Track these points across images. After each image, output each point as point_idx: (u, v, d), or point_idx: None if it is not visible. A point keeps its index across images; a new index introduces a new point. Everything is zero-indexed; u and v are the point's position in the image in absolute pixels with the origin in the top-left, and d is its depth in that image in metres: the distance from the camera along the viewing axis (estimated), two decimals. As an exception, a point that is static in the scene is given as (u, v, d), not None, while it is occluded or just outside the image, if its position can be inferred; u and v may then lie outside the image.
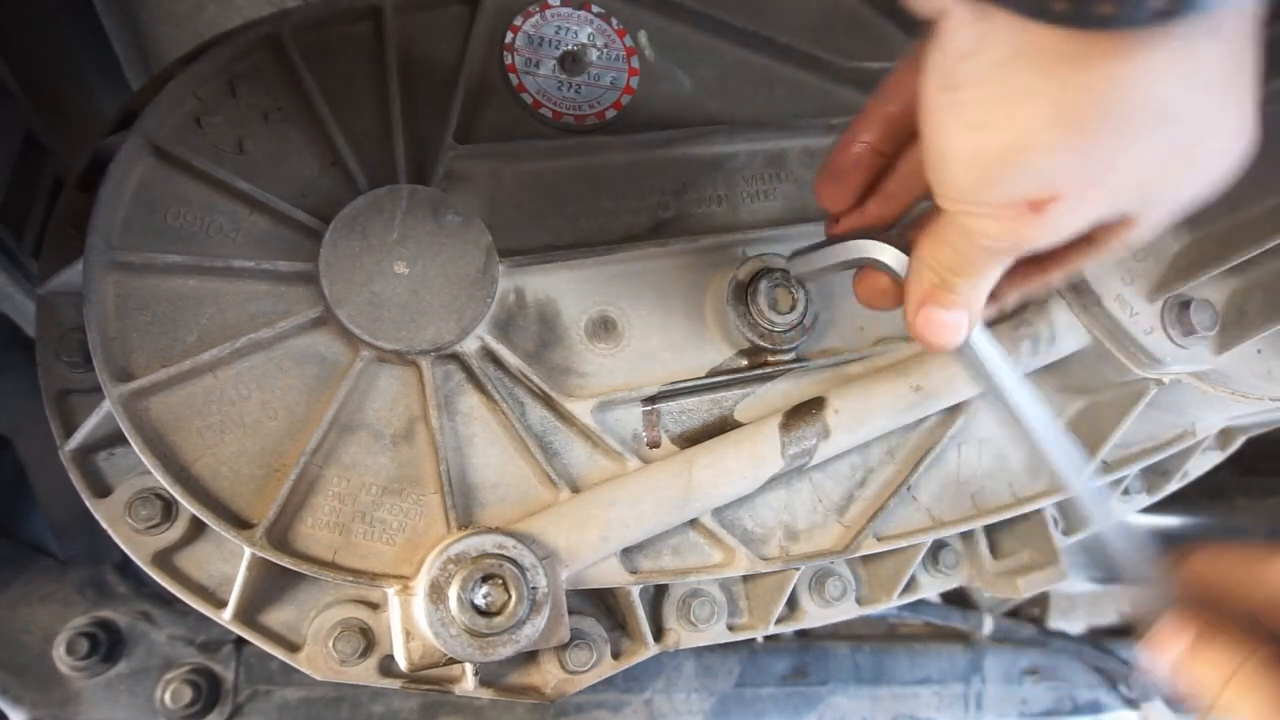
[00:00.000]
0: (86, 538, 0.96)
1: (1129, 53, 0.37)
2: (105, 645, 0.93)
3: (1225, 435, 1.01)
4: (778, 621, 0.82)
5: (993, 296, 0.56)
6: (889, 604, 0.86)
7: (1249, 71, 0.41)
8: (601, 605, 0.81)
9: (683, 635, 0.80)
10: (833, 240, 0.64)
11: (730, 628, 0.82)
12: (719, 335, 0.78)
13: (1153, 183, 0.43)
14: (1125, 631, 1.62)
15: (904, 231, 0.60)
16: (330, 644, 0.72)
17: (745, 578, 0.83)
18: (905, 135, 0.57)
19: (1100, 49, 0.37)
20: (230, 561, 0.73)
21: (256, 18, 0.74)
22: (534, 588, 0.66)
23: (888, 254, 0.59)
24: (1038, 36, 0.38)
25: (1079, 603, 1.72)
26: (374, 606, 0.74)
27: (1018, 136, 0.41)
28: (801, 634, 1.18)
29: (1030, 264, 0.54)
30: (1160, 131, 0.40)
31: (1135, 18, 0.34)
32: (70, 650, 0.91)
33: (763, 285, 0.75)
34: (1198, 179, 0.44)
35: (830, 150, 0.61)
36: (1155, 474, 0.99)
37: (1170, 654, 0.52)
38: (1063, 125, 0.40)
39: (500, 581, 0.65)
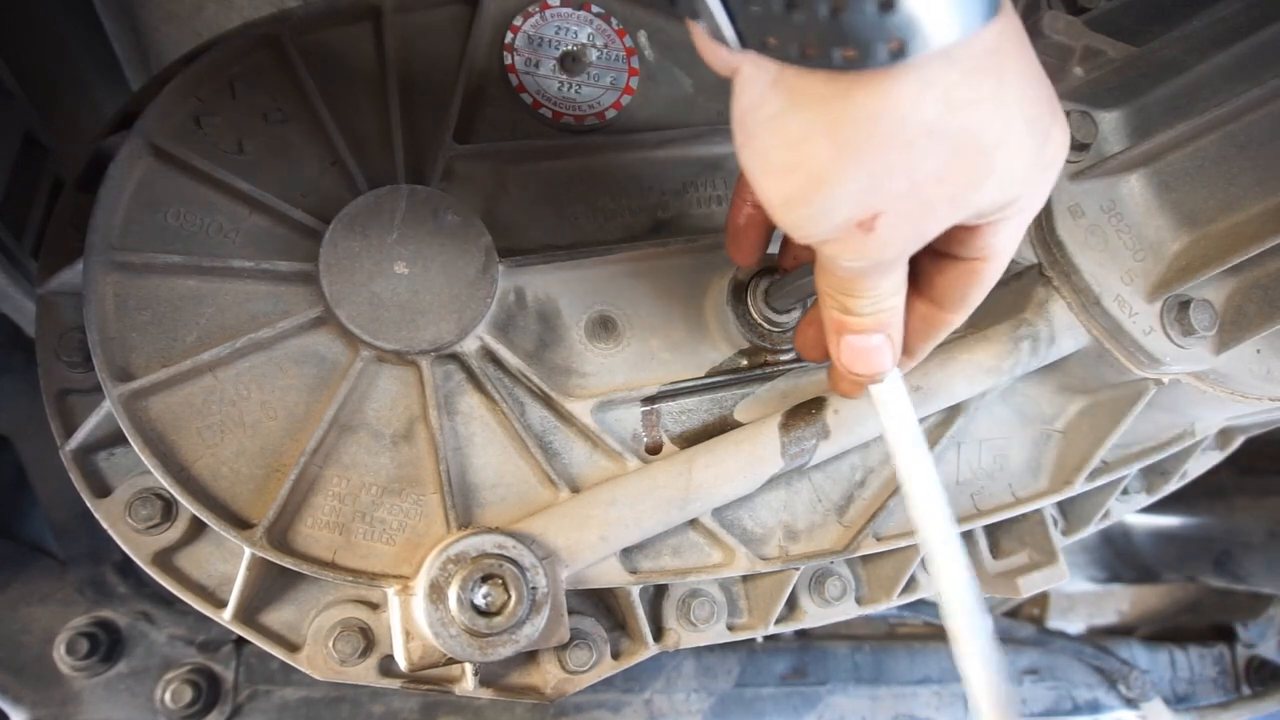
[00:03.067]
0: (86, 538, 0.96)
1: (880, 86, 0.40)
2: (105, 645, 0.93)
3: (1225, 435, 1.01)
4: (777, 621, 0.82)
5: (906, 352, 0.59)
6: (889, 604, 0.86)
7: (1025, 79, 0.44)
8: (601, 605, 0.81)
9: (682, 635, 0.80)
10: (796, 276, 0.69)
11: (730, 628, 0.82)
12: (719, 335, 0.78)
13: (961, 192, 0.46)
14: (1125, 631, 1.62)
15: None
16: (330, 644, 0.72)
17: (745, 578, 0.83)
18: None
19: (856, 86, 0.40)
20: (230, 561, 0.73)
21: (256, 18, 0.74)
22: (534, 588, 0.66)
23: None
24: (804, 82, 0.41)
25: (1079, 603, 1.72)
26: (374, 606, 0.74)
27: (812, 173, 0.44)
28: (801, 634, 1.18)
29: (924, 304, 0.57)
30: (937, 146, 0.43)
31: (873, 61, 0.38)
32: (70, 650, 0.91)
33: (762, 285, 0.75)
34: (1006, 184, 0.47)
35: (729, 211, 0.66)
36: (1155, 474, 0.99)
37: None
38: (845, 155, 0.43)
39: (500, 581, 0.65)
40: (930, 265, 0.56)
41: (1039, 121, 0.46)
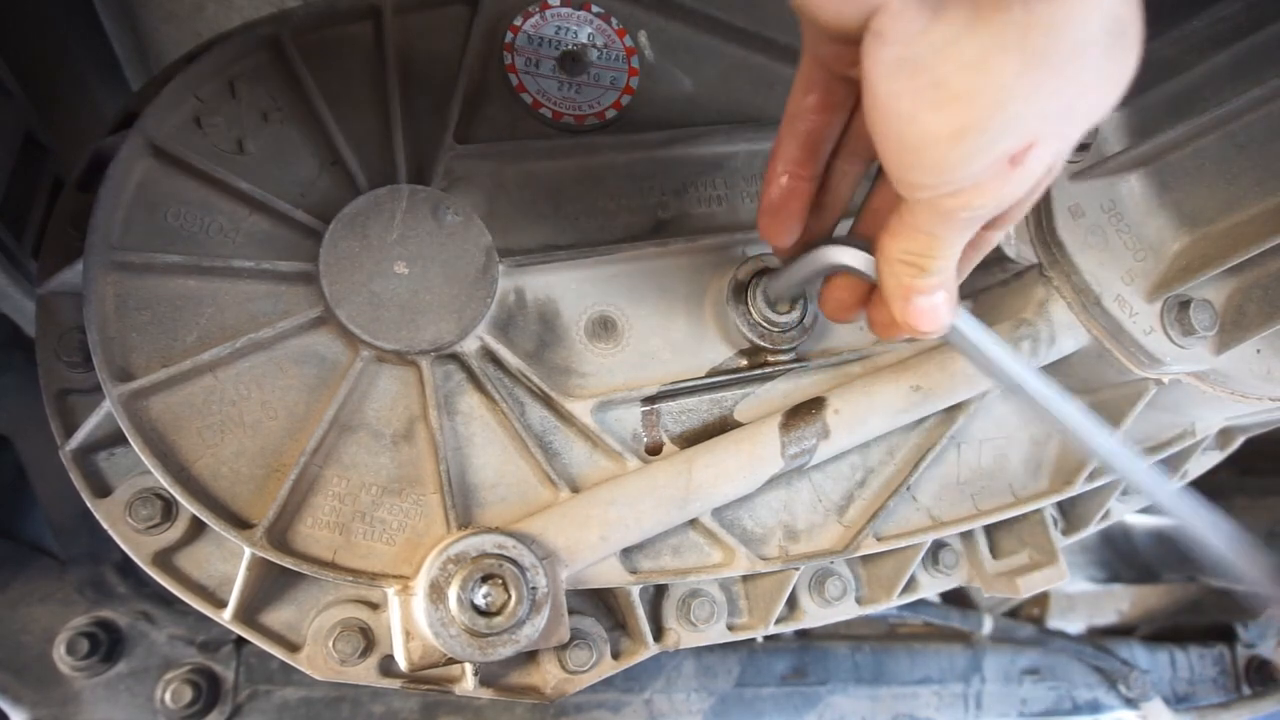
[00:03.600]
0: (86, 538, 0.96)
1: None
2: (105, 645, 0.93)
3: (1225, 435, 1.01)
4: (777, 621, 0.82)
5: None
6: (889, 604, 0.86)
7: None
8: (601, 605, 0.81)
9: (683, 635, 0.80)
10: (799, 256, 0.65)
11: (730, 628, 0.82)
12: (719, 335, 0.78)
13: (1095, 109, 0.46)
14: (1125, 631, 1.62)
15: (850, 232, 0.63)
16: (330, 644, 0.72)
17: (745, 578, 0.83)
18: (824, 151, 0.60)
19: (1023, 2, 0.40)
20: (230, 561, 0.73)
21: (256, 18, 0.74)
22: (534, 588, 0.66)
23: (852, 256, 0.61)
24: (971, 3, 0.40)
25: (1079, 603, 1.72)
26: (374, 606, 0.74)
27: (996, 95, 0.42)
28: (801, 634, 1.18)
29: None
30: (1101, 60, 0.43)
31: None
32: (70, 650, 0.91)
33: (762, 285, 0.75)
34: (1109, 100, 0.47)
35: (762, 189, 0.63)
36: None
37: None
38: (1033, 69, 0.42)
39: (500, 581, 0.65)
40: None
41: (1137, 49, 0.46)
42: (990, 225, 0.57)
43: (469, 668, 0.74)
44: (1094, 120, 0.47)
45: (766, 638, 1.13)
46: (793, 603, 0.84)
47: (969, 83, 0.42)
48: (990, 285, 0.83)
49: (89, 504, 0.72)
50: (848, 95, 0.56)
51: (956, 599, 1.36)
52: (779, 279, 0.72)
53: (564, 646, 0.77)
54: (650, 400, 0.76)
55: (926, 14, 0.42)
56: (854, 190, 0.63)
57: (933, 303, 0.57)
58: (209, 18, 1.12)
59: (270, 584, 0.73)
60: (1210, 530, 0.65)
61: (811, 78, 0.56)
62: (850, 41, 0.45)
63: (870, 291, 0.64)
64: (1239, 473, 1.34)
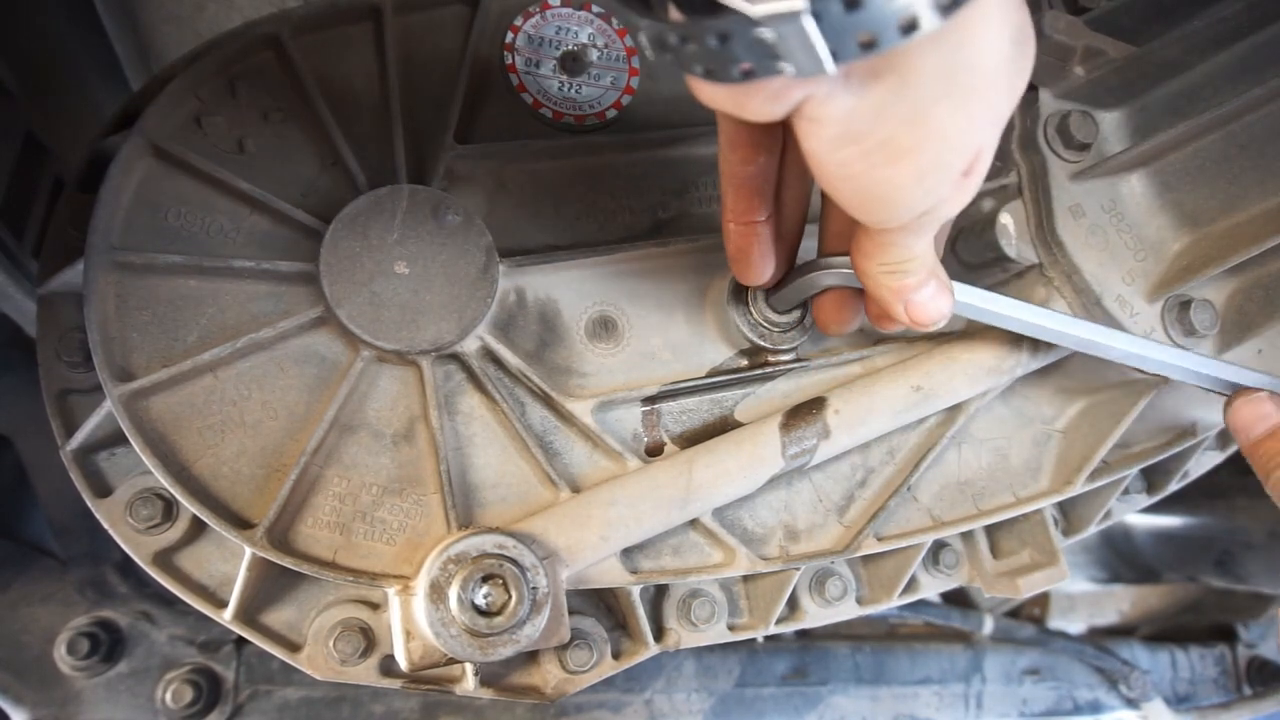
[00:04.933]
0: (87, 538, 0.96)
1: (960, 40, 0.43)
2: (106, 645, 0.93)
3: (1225, 435, 1.01)
4: (778, 621, 0.82)
5: None
6: (889, 604, 0.86)
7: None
8: (601, 605, 0.81)
9: (683, 635, 0.80)
10: (793, 276, 0.69)
11: (730, 628, 0.82)
12: (719, 335, 0.78)
13: (1011, 101, 0.50)
14: (1126, 631, 1.62)
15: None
16: (331, 644, 0.72)
17: (745, 578, 0.83)
18: (768, 190, 0.63)
19: (939, 50, 0.43)
20: (231, 561, 0.73)
21: (257, 18, 0.74)
22: (534, 588, 0.66)
23: (837, 276, 0.65)
24: (897, 65, 0.43)
25: (1079, 603, 1.72)
26: (374, 606, 0.74)
27: (940, 136, 0.46)
28: (801, 634, 1.18)
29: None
30: (1012, 70, 0.47)
31: (941, 17, 0.40)
32: (71, 650, 0.91)
33: (762, 291, 0.75)
34: (1022, 88, 0.50)
35: (728, 241, 0.66)
36: (1155, 474, 0.99)
37: (1255, 427, 0.67)
38: (965, 103, 0.45)
39: (500, 581, 0.65)
40: None
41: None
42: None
43: (469, 668, 0.74)
44: (1014, 105, 0.51)
45: (767, 638, 1.13)
46: (793, 603, 0.84)
47: (913, 136, 0.46)
48: (991, 285, 0.82)
49: (89, 504, 0.72)
50: (774, 139, 0.59)
51: (957, 599, 1.36)
52: (775, 299, 0.74)
53: (564, 646, 0.77)
54: (650, 400, 0.76)
55: (854, 91, 0.44)
56: (807, 204, 0.66)
57: (928, 293, 0.59)
58: (209, 18, 1.12)
59: (271, 584, 0.73)
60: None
61: (734, 137, 0.58)
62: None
63: (863, 295, 0.66)
64: (1239, 473, 1.34)
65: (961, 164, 0.48)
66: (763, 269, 0.67)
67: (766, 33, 0.39)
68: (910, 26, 0.39)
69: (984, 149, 0.49)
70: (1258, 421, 0.67)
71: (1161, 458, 0.90)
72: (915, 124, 0.45)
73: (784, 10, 0.38)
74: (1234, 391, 0.70)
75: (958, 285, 0.64)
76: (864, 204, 0.51)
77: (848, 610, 0.85)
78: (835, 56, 0.40)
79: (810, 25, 0.38)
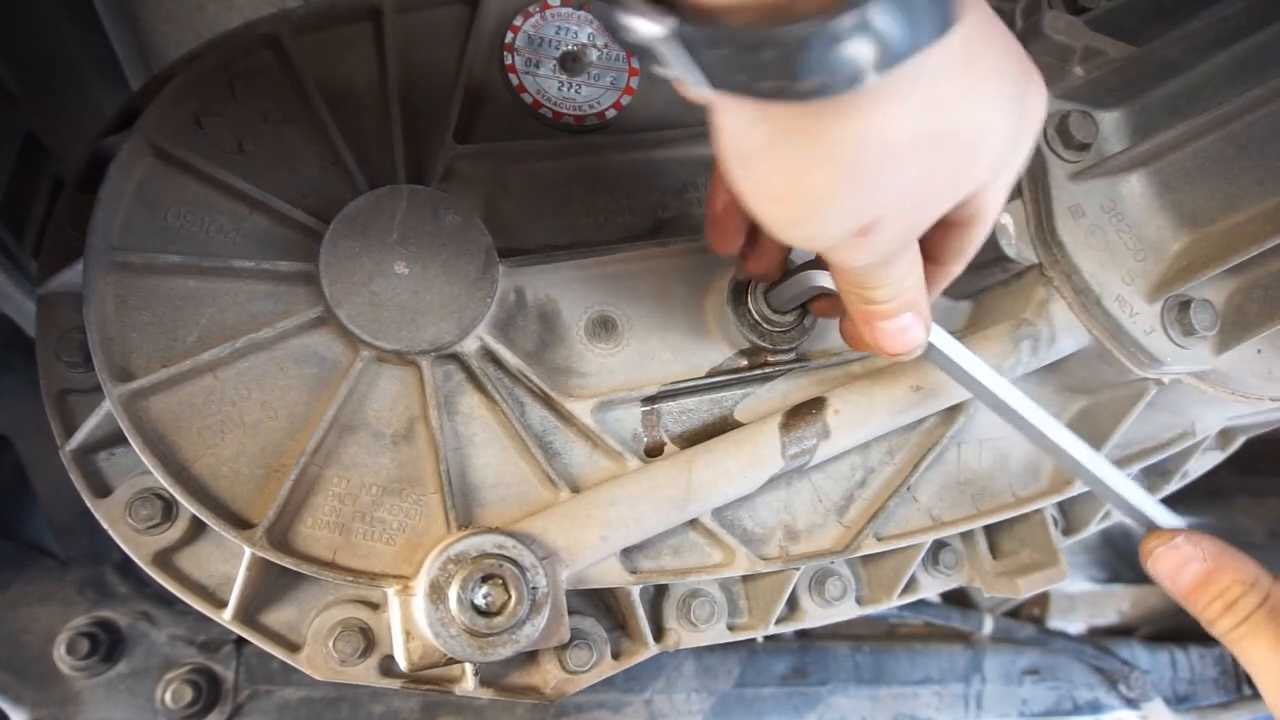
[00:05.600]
0: (86, 538, 0.96)
1: (858, 109, 0.41)
2: (105, 645, 0.93)
3: (1225, 435, 1.01)
4: (778, 621, 0.82)
5: None
6: (889, 604, 0.86)
7: (998, 62, 0.45)
8: (601, 605, 0.81)
9: (683, 635, 0.80)
10: (787, 277, 0.70)
11: (730, 628, 0.82)
12: (719, 335, 0.78)
13: (950, 184, 0.48)
14: (1126, 631, 1.62)
15: None
16: (330, 644, 0.72)
17: (745, 578, 0.83)
18: None
19: (834, 113, 0.41)
20: (230, 561, 0.73)
21: (257, 18, 0.74)
22: (534, 588, 0.66)
23: (826, 278, 0.65)
24: (786, 114, 0.42)
25: (1079, 603, 1.72)
26: (374, 606, 0.74)
27: (813, 198, 0.45)
28: (801, 634, 1.18)
29: (925, 263, 0.58)
30: (922, 151, 0.44)
31: (837, 89, 0.39)
32: (70, 650, 0.91)
33: (762, 285, 0.75)
34: (992, 162, 0.48)
35: (706, 200, 0.66)
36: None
37: (1180, 576, 0.61)
38: (839, 178, 0.44)
39: (500, 581, 0.65)
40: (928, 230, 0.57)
41: (1016, 96, 0.47)
42: (938, 262, 0.59)
43: (469, 668, 0.74)
44: (938, 201, 0.48)
45: (767, 638, 1.13)
46: (793, 603, 0.84)
47: (785, 187, 0.45)
48: (990, 285, 0.83)
49: (89, 504, 0.72)
50: None
51: (957, 599, 1.36)
52: (777, 293, 0.74)
53: (564, 646, 0.77)
54: (650, 400, 0.76)
55: (749, 116, 0.43)
56: None
57: (899, 325, 0.58)
58: (209, 18, 1.12)
59: (270, 584, 0.73)
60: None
61: None
62: None
63: None
64: (1239, 473, 1.34)
65: (845, 227, 0.47)
66: (733, 240, 0.66)
67: (654, 44, 0.40)
68: (778, 92, 0.39)
69: (882, 219, 0.47)
70: (1181, 569, 0.62)
71: (1161, 458, 0.90)
72: (789, 176, 0.45)
73: (649, 35, 0.39)
74: (1147, 530, 0.65)
75: (939, 331, 0.63)
76: (760, 219, 0.49)
77: (847, 610, 0.85)
78: (713, 83, 0.40)
79: (676, 50, 0.39)
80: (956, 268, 0.60)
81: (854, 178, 0.44)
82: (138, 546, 0.71)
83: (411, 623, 0.67)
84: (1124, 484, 0.66)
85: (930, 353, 0.64)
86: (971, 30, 0.43)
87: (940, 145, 0.44)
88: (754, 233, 0.67)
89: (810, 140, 0.43)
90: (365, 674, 0.73)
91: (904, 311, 0.58)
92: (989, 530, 0.91)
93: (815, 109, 0.41)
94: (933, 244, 0.58)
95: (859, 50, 0.37)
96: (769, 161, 0.45)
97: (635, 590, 0.76)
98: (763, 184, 0.46)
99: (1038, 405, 0.66)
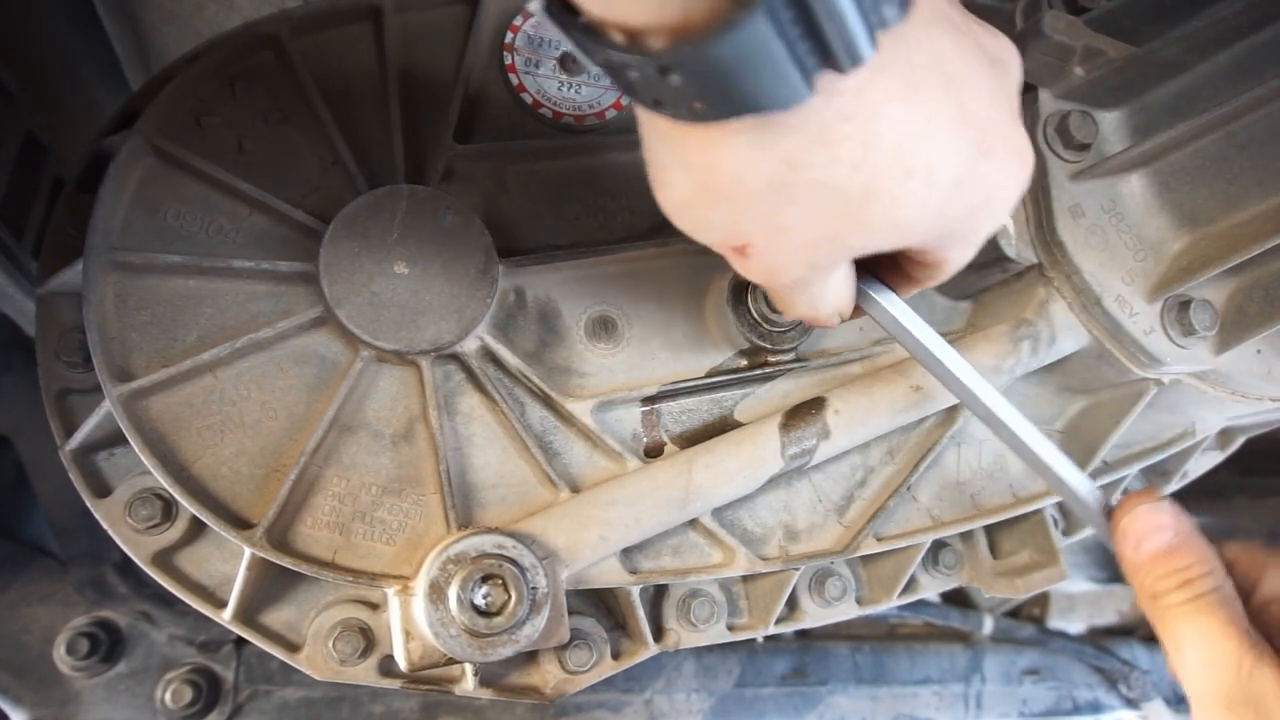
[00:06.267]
0: (86, 538, 0.96)
1: (714, 140, 0.42)
2: (105, 645, 0.93)
3: (1225, 435, 1.01)
4: (778, 621, 0.82)
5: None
6: (889, 604, 0.86)
7: (918, 128, 0.43)
8: (601, 605, 0.81)
9: (683, 635, 0.80)
10: None
11: (730, 628, 0.82)
12: (719, 335, 0.78)
13: (839, 236, 0.47)
14: (1126, 631, 1.62)
15: None
16: (330, 644, 0.72)
17: (745, 578, 0.83)
18: None
19: (696, 136, 0.42)
20: (230, 561, 0.73)
21: (257, 18, 0.74)
22: (534, 588, 0.66)
23: None
24: (659, 120, 0.42)
25: (1079, 603, 1.72)
26: (374, 606, 0.74)
27: (678, 201, 0.46)
28: (801, 634, 1.18)
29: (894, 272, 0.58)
30: (789, 197, 0.43)
31: (685, 115, 0.40)
32: (70, 650, 0.91)
33: (763, 290, 0.75)
34: (898, 231, 0.47)
35: None
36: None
37: (1150, 540, 0.61)
38: (699, 192, 0.45)
39: (500, 581, 0.65)
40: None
41: (939, 168, 0.45)
42: (895, 285, 0.59)
43: (469, 668, 0.74)
44: (829, 246, 0.48)
45: (767, 638, 1.13)
46: (793, 603, 0.84)
47: (663, 178, 0.47)
48: (990, 285, 0.82)
49: (89, 504, 0.72)
50: None
51: (957, 599, 1.36)
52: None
53: (564, 647, 0.77)
54: (650, 400, 0.76)
55: (640, 112, 0.44)
56: None
57: (819, 320, 0.58)
58: (209, 18, 1.12)
59: (270, 584, 0.73)
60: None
61: None
62: None
63: None
64: (1239, 473, 1.34)
65: (718, 238, 0.48)
66: None
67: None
68: (657, 103, 0.40)
69: (751, 247, 0.47)
70: (1154, 534, 0.61)
71: (1161, 458, 0.90)
72: (659, 170, 0.46)
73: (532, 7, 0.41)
74: (1127, 496, 0.64)
75: (881, 289, 0.60)
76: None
77: (847, 610, 0.85)
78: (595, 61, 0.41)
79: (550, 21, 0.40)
80: (914, 288, 0.60)
81: (714, 198, 0.45)
82: (138, 546, 0.71)
83: (411, 623, 0.67)
84: (1059, 462, 0.65)
85: (869, 307, 0.61)
86: (875, 87, 0.41)
87: (814, 198, 0.43)
88: None
89: (675, 150, 0.44)
90: (365, 674, 0.73)
91: (825, 321, 0.58)
92: (989, 530, 0.91)
93: (678, 128, 0.42)
94: (887, 272, 0.58)
95: (712, 88, 0.38)
96: (652, 149, 0.46)
97: (635, 590, 0.76)
98: (650, 163, 0.47)
99: (975, 371, 0.63)
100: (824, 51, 0.37)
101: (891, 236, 0.48)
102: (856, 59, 0.38)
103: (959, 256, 0.54)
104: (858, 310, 0.60)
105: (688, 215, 0.47)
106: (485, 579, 0.65)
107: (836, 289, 0.55)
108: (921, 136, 0.44)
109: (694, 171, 0.44)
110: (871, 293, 0.60)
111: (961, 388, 0.63)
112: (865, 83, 0.40)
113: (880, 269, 0.59)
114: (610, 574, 0.73)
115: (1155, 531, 0.61)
